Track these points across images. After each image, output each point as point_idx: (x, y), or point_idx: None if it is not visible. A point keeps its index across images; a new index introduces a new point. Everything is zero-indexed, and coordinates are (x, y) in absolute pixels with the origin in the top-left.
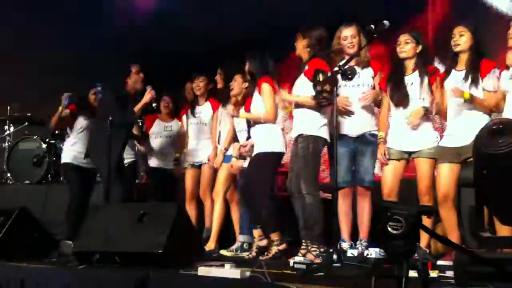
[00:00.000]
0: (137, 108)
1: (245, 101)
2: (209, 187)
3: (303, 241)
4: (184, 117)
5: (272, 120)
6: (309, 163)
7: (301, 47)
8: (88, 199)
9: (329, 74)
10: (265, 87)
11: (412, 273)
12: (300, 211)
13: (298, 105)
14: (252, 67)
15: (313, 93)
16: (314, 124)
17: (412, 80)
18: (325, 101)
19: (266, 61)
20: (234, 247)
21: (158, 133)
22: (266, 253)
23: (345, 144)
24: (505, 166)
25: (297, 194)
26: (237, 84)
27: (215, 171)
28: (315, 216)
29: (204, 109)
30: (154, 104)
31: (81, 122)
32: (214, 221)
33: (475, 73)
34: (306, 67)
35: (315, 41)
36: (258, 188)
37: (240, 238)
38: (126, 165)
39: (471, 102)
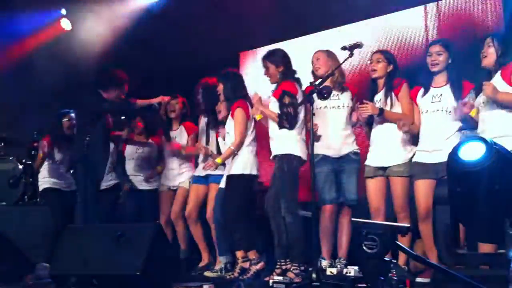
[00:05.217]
0: (140, 101)
1: None
2: (181, 211)
3: (278, 260)
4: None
5: (240, 147)
6: (286, 182)
7: (277, 75)
8: (69, 222)
9: (298, 96)
10: (238, 113)
11: None
12: (275, 231)
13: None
14: (225, 90)
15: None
16: (287, 143)
17: (380, 97)
18: (286, 124)
19: (239, 82)
20: (217, 268)
21: (131, 155)
22: (246, 272)
23: (328, 163)
24: (478, 183)
25: (273, 214)
26: (224, 107)
27: (188, 195)
28: (296, 235)
29: (178, 134)
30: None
31: (56, 155)
32: (201, 241)
33: (457, 90)
34: (275, 89)
35: (281, 63)
36: (230, 211)
37: (221, 259)
38: (107, 188)
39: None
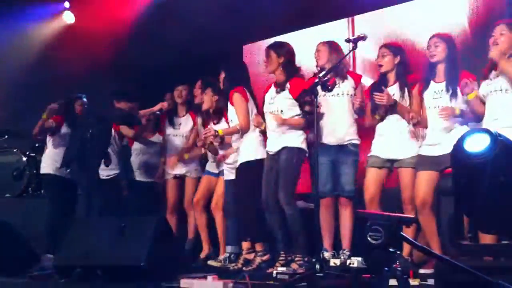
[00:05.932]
0: (143, 111)
1: (220, 115)
2: (191, 200)
3: (282, 252)
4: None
5: (247, 128)
6: (291, 175)
7: (277, 65)
8: (71, 212)
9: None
10: (236, 96)
11: (393, 282)
12: (276, 224)
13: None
14: (226, 78)
15: (297, 111)
16: (297, 137)
17: (393, 91)
18: (307, 124)
19: (242, 70)
20: (221, 257)
21: (141, 149)
22: (250, 264)
23: (326, 153)
24: (483, 175)
25: (274, 208)
26: (208, 98)
27: (198, 183)
28: (297, 228)
29: (185, 120)
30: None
31: (64, 134)
32: (203, 230)
33: (453, 85)
34: (288, 85)
35: (284, 55)
36: (245, 199)
37: (227, 248)
38: (108, 178)
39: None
